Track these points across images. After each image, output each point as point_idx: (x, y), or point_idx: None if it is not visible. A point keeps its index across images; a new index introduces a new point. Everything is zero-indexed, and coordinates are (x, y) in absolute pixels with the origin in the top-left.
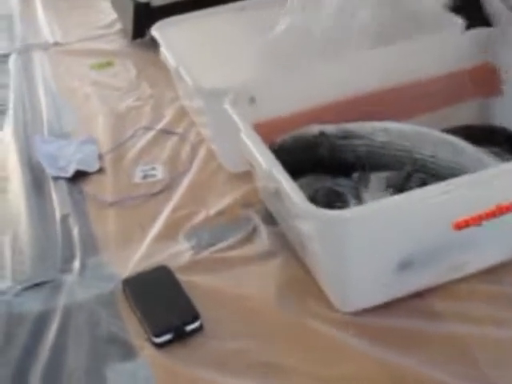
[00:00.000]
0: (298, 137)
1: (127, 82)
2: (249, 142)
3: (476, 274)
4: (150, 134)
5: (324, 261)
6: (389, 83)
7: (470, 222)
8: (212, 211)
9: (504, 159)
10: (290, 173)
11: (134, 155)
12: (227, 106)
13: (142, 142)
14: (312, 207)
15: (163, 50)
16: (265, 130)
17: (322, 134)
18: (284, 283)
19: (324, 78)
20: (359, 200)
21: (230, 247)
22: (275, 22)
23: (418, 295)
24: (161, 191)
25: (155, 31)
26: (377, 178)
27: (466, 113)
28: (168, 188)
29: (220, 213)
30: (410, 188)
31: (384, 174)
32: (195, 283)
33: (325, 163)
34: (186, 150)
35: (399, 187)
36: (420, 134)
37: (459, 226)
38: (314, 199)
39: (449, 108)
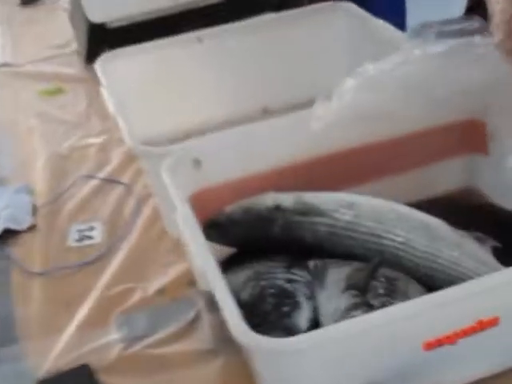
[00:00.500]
0: (249, 208)
1: (76, 114)
2: (185, 230)
3: None
4: (93, 183)
5: None
6: (360, 141)
7: (443, 342)
8: (151, 289)
9: (487, 246)
10: (239, 247)
11: (72, 210)
12: (164, 174)
13: (82, 193)
14: (248, 334)
15: (103, 90)
16: (212, 197)
17: (277, 207)
18: None
19: (285, 136)
20: (313, 301)
21: (166, 341)
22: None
23: None
24: (96, 260)
25: (98, 66)
26: (335, 275)
27: (446, 175)
28: (104, 256)
29: (160, 292)
30: (374, 292)
31: (344, 270)
32: None
33: (278, 242)
34: (130, 206)
35: (361, 288)
36: (392, 213)
37: (430, 347)
38: (260, 298)
39: (426, 168)
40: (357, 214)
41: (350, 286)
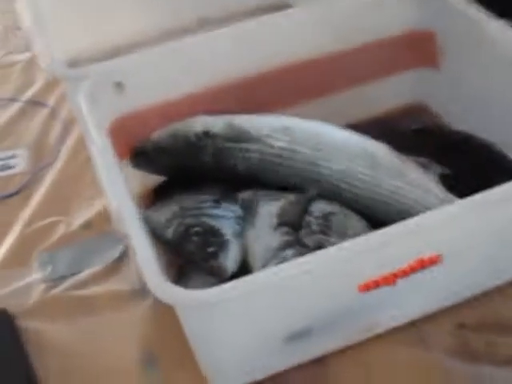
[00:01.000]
0: (176, 134)
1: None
2: (100, 166)
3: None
4: (16, 107)
5: (190, 338)
6: (301, 56)
7: (380, 283)
8: (76, 223)
9: (434, 173)
10: (169, 175)
11: None
12: (82, 100)
13: (4, 117)
14: (164, 286)
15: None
16: (137, 123)
17: (206, 133)
18: (153, 341)
19: (217, 51)
20: (242, 240)
21: (91, 281)
22: None
23: (319, 361)
24: (17, 192)
25: None
26: (266, 210)
27: (392, 91)
28: (27, 187)
29: (85, 226)
30: (308, 229)
31: (276, 204)
32: (40, 334)
33: (209, 171)
34: (55, 131)
35: (294, 225)
36: (330, 138)
37: (367, 288)
38: (184, 238)
39: (371, 85)
40: (291, 140)
41: (282, 223)
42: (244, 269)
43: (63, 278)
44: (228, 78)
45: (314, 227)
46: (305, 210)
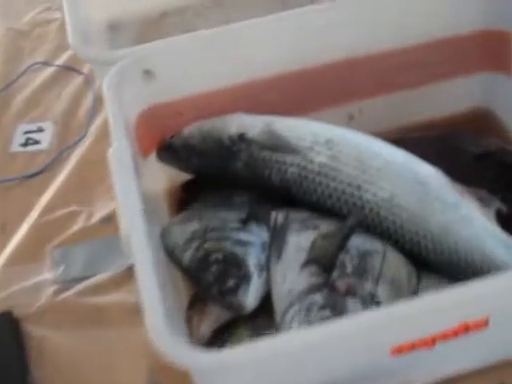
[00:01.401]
0: (209, 133)
1: None
2: (115, 173)
3: None
4: (49, 72)
5: None
6: (354, 51)
7: (415, 346)
8: (97, 215)
9: (492, 209)
10: (195, 174)
11: (21, 103)
12: (106, 89)
13: (34, 84)
14: (166, 343)
15: None
16: (167, 114)
17: (241, 137)
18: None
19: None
20: (264, 272)
21: (104, 288)
22: None
23: None
24: (41, 171)
25: None
26: (296, 242)
27: (455, 95)
28: (51, 167)
29: (105, 220)
30: (341, 270)
31: (308, 236)
32: (45, 342)
33: (240, 179)
34: (86, 103)
35: (325, 265)
36: (377, 158)
37: (399, 351)
38: (202, 265)
39: (435, 84)
40: (334, 156)
41: (311, 260)
42: (267, 302)
43: (75, 280)
44: (270, 72)
45: (348, 269)
46: (341, 247)
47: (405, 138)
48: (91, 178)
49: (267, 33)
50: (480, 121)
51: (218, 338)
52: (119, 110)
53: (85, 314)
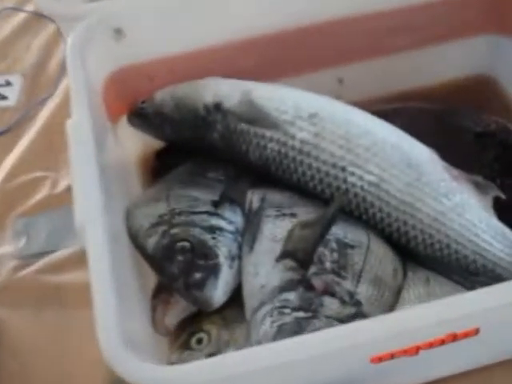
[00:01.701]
0: (182, 101)
1: None
2: (73, 149)
3: None
4: (19, 19)
5: None
6: (341, 11)
7: (398, 355)
8: (63, 183)
9: (489, 196)
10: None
11: None
12: (69, 50)
13: (3, 32)
14: (116, 354)
15: None
16: (139, 76)
17: (217, 107)
18: None
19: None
20: (236, 263)
21: (68, 264)
22: None
23: None
24: (7, 130)
25: None
26: (271, 233)
27: (454, 59)
28: (16, 127)
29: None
30: (319, 266)
31: (285, 224)
32: (2, 323)
33: (216, 150)
34: (58, 55)
35: (302, 260)
36: (366, 137)
37: (380, 360)
38: (167, 254)
39: (431, 47)
40: (318, 132)
41: (287, 253)
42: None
43: (36, 255)
44: (249, 33)
45: (327, 264)
46: (320, 239)
47: (400, 111)
48: (58, 141)
49: None
50: (481, 89)
51: (185, 331)
52: (82, 75)
53: (45, 294)
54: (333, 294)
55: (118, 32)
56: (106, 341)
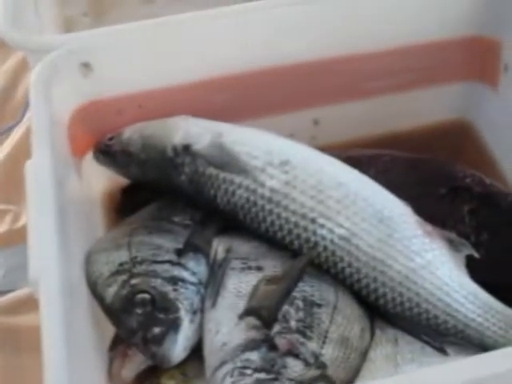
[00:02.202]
0: (150, 141)
1: None
2: (32, 194)
3: None
4: None
5: None
6: (321, 53)
7: None
8: (24, 217)
9: (462, 254)
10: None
11: None
12: (32, 84)
13: None
14: None
15: None
16: (105, 112)
17: (186, 148)
18: None
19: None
20: (198, 317)
21: (25, 305)
22: None
23: None
24: None
25: None
26: (235, 287)
27: (432, 104)
28: None
29: None
30: (284, 325)
31: (249, 280)
32: None
33: (184, 195)
34: (25, 81)
35: (266, 319)
36: (337, 189)
37: None
38: (126, 306)
39: (411, 92)
40: (288, 181)
41: (250, 311)
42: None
43: None
44: (222, 72)
45: (292, 323)
46: (286, 296)
47: (374, 159)
48: (22, 174)
49: (221, 27)
50: (457, 133)
51: None
52: (45, 111)
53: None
54: (297, 355)
55: (86, 66)
56: None
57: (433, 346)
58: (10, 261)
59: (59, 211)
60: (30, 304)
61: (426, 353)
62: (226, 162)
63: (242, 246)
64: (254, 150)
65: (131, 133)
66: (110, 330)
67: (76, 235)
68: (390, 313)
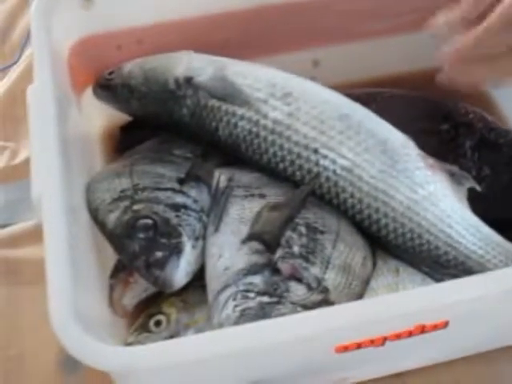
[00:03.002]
0: (152, 73)
1: None
2: (33, 117)
3: None
4: None
5: None
6: None
7: (363, 345)
8: (22, 154)
9: (464, 187)
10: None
11: None
12: (33, 15)
13: None
14: (68, 331)
15: None
16: (107, 46)
17: (188, 80)
18: None
19: None
20: (200, 243)
21: (24, 238)
22: None
23: None
24: None
25: None
26: (238, 213)
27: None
28: None
29: None
30: (287, 249)
31: (252, 206)
32: None
33: (184, 127)
34: (23, 21)
35: (268, 243)
36: (341, 120)
37: (345, 349)
38: (128, 231)
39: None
40: (291, 112)
41: (254, 235)
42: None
43: None
44: (223, 8)
45: (295, 248)
46: (289, 221)
47: (375, 95)
48: (20, 111)
49: None
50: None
51: (143, 313)
52: (47, 41)
53: None
54: (300, 280)
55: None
56: (59, 318)
57: (433, 278)
58: (7, 196)
59: (61, 135)
60: (27, 237)
61: (426, 284)
62: (229, 93)
63: (244, 176)
64: (256, 82)
65: (132, 66)
66: (110, 260)
67: (76, 167)
68: (391, 244)
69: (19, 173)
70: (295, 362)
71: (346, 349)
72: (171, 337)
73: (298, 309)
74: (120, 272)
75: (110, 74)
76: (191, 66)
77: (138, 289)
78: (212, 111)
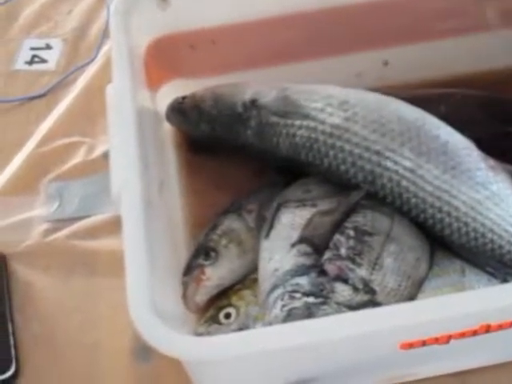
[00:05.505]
0: (221, 97)
1: None
2: (114, 117)
3: None
4: None
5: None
6: None
7: (428, 343)
8: (99, 148)
9: None
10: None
11: (30, 16)
12: (113, 14)
13: None
14: (149, 328)
15: None
16: (178, 46)
17: (253, 102)
18: None
19: None
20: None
21: (101, 230)
22: None
23: None
24: (44, 94)
25: None
26: (289, 220)
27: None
28: (54, 91)
29: (106, 156)
30: (334, 252)
31: (304, 213)
32: (30, 285)
33: (248, 148)
34: (100, 21)
35: (317, 245)
36: (399, 122)
37: (410, 346)
38: None
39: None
40: (348, 117)
41: (303, 239)
42: None
43: (68, 220)
44: (296, 8)
45: (342, 250)
46: (338, 225)
47: (445, 96)
48: (97, 107)
49: None
50: None
51: (214, 305)
52: (125, 40)
53: (75, 259)
54: (345, 281)
55: (164, 0)
56: (137, 308)
57: (496, 278)
58: (84, 189)
59: (138, 132)
60: (104, 230)
61: (492, 284)
62: (289, 110)
63: (296, 192)
64: (313, 94)
65: (204, 92)
66: (182, 255)
67: (153, 162)
68: (455, 243)
69: (95, 167)
70: (359, 359)
71: (411, 346)
72: (240, 329)
73: (343, 309)
74: (193, 270)
75: (183, 98)
76: (258, 90)
77: (210, 286)
78: (272, 127)
